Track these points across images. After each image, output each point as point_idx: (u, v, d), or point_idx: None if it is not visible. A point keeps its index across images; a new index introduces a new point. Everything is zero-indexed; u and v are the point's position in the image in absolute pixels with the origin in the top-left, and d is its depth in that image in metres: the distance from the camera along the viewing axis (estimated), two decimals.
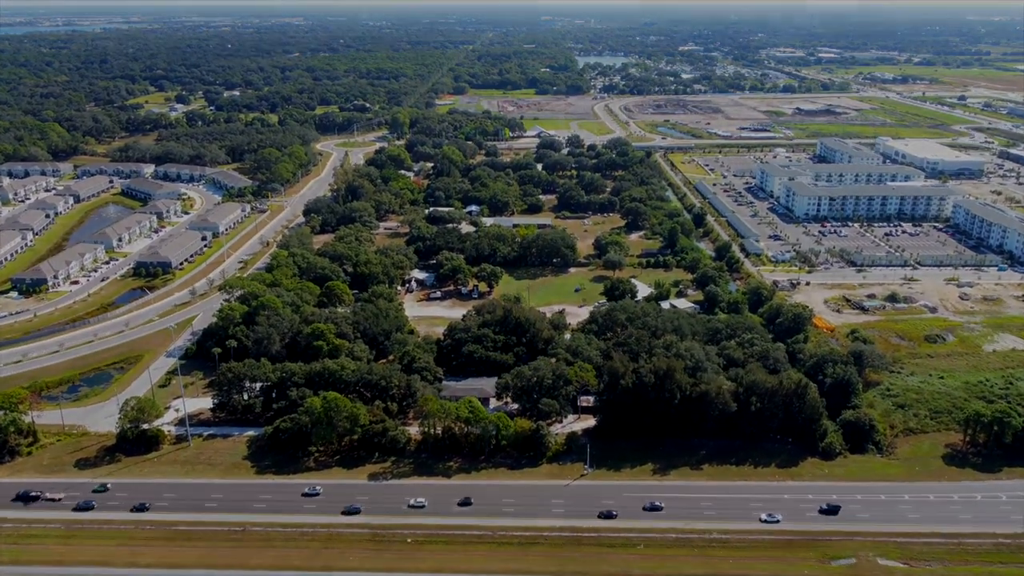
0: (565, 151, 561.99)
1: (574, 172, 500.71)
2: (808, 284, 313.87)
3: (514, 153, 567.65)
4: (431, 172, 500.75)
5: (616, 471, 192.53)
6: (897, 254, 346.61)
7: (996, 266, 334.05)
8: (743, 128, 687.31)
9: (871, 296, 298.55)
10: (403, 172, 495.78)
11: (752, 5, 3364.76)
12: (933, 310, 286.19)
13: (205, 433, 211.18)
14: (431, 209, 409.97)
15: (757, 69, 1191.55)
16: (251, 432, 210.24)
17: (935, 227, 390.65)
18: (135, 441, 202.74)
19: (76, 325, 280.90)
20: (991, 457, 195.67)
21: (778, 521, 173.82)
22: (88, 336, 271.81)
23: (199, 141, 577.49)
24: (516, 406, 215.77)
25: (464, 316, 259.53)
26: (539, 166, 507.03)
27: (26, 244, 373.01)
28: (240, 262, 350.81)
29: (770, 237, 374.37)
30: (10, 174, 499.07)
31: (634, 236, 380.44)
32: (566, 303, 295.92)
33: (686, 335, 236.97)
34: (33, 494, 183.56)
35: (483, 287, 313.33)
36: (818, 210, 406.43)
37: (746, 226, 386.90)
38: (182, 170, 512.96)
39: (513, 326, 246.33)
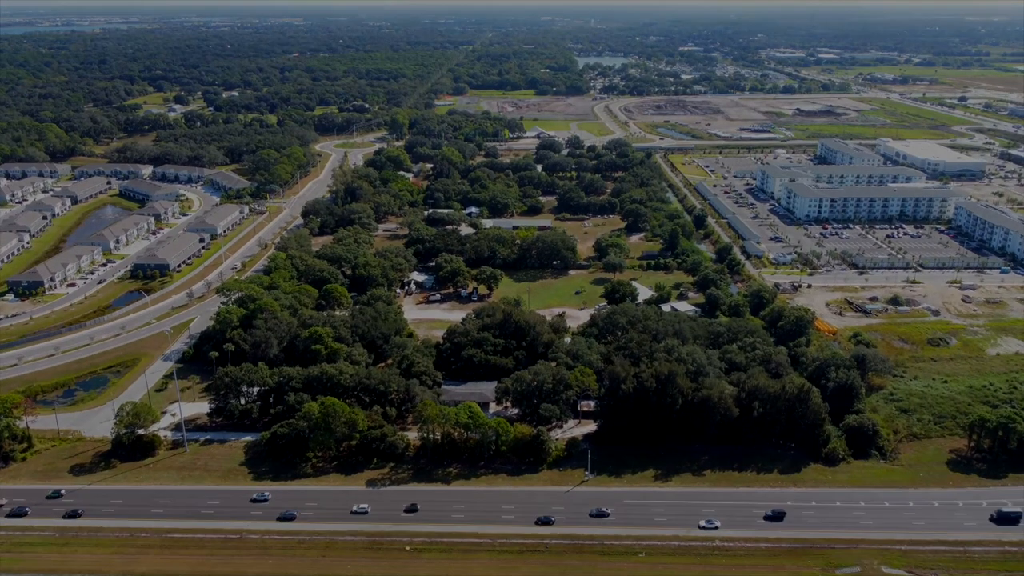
0: (565, 152, 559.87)
1: (574, 173, 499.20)
2: (809, 286, 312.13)
3: (514, 154, 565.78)
4: (430, 173, 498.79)
5: (617, 477, 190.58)
6: (899, 256, 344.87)
7: (999, 268, 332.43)
8: (743, 129, 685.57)
9: (873, 299, 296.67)
10: (402, 173, 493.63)
11: (752, 5, 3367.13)
12: (936, 313, 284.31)
13: (202, 438, 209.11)
14: (430, 211, 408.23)
15: (757, 70, 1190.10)
16: (248, 437, 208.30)
17: (937, 229, 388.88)
18: (131, 447, 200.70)
19: (72, 328, 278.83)
20: (996, 463, 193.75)
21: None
22: (84, 339, 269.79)
23: (197, 142, 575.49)
24: (516, 411, 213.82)
25: (463, 319, 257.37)
26: (539, 167, 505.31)
27: (23, 246, 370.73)
28: (236, 265, 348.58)
29: (771, 239, 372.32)
30: (7, 175, 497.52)
31: (634, 238, 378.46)
32: (566, 306, 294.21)
33: (687, 339, 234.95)
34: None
35: (483, 289, 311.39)
36: (819, 212, 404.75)
37: (747, 228, 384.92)
38: (180, 171, 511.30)
39: (513, 329, 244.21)
